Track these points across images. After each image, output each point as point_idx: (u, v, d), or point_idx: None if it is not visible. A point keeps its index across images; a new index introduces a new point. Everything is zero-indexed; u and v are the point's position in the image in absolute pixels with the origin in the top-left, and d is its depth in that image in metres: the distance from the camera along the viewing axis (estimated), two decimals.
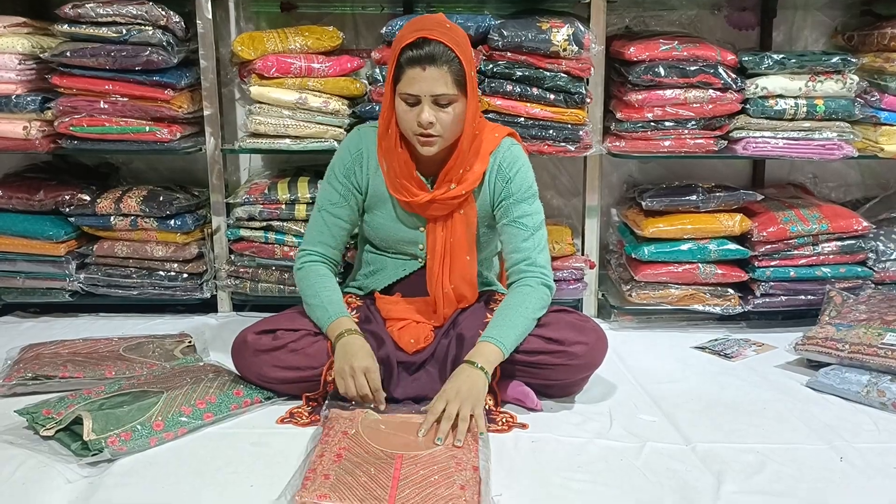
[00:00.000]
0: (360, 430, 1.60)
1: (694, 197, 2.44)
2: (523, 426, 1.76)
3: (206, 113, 2.47)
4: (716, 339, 2.38)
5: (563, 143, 2.38)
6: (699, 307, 2.45)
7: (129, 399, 1.70)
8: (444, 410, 1.62)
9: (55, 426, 1.62)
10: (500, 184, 1.87)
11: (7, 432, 1.69)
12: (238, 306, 2.61)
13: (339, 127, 2.39)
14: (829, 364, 2.06)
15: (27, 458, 1.58)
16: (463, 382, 1.67)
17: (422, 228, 1.91)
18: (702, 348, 2.32)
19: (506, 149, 1.89)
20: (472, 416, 1.62)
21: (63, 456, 1.58)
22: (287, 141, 2.40)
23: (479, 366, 1.70)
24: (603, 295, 2.62)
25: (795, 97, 2.38)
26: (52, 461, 1.56)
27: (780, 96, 2.37)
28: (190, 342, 2.21)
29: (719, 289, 2.47)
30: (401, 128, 1.79)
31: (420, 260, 1.95)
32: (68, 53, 2.29)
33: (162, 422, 1.64)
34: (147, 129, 2.35)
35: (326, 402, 1.75)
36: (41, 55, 2.35)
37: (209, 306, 2.59)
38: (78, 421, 1.60)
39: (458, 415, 1.61)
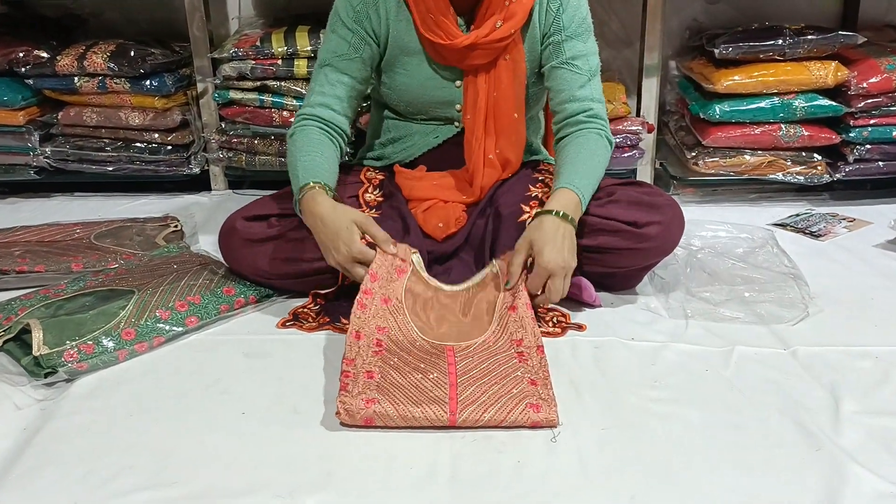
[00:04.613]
0: (403, 303, 1.34)
1: (780, 41, 2.00)
2: (580, 327, 1.43)
3: None
4: (797, 215, 2.01)
5: None
6: (778, 176, 2.06)
7: (93, 301, 1.37)
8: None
9: (2, 335, 1.31)
10: (550, 15, 1.49)
11: None
12: (234, 183, 2.27)
13: None
14: None
15: None
16: (556, 237, 1.33)
17: (458, 83, 1.52)
18: (782, 225, 1.96)
19: None
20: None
21: (12, 374, 1.27)
22: None
23: (563, 214, 1.35)
24: (661, 164, 2.23)
25: None
26: None
27: None
28: (176, 227, 1.87)
29: (803, 154, 2.07)
30: None
31: (457, 124, 1.57)
32: None
33: (133, 330, 1.32)
34: None
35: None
36: None
37: (201, 183, 2.25)
38: (28, 329, 1.28)
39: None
